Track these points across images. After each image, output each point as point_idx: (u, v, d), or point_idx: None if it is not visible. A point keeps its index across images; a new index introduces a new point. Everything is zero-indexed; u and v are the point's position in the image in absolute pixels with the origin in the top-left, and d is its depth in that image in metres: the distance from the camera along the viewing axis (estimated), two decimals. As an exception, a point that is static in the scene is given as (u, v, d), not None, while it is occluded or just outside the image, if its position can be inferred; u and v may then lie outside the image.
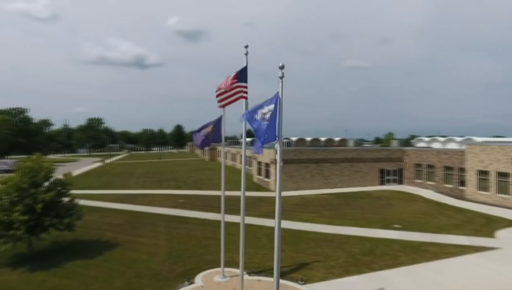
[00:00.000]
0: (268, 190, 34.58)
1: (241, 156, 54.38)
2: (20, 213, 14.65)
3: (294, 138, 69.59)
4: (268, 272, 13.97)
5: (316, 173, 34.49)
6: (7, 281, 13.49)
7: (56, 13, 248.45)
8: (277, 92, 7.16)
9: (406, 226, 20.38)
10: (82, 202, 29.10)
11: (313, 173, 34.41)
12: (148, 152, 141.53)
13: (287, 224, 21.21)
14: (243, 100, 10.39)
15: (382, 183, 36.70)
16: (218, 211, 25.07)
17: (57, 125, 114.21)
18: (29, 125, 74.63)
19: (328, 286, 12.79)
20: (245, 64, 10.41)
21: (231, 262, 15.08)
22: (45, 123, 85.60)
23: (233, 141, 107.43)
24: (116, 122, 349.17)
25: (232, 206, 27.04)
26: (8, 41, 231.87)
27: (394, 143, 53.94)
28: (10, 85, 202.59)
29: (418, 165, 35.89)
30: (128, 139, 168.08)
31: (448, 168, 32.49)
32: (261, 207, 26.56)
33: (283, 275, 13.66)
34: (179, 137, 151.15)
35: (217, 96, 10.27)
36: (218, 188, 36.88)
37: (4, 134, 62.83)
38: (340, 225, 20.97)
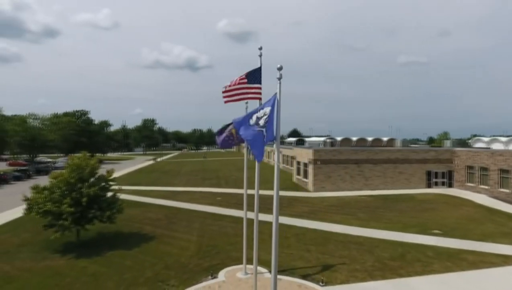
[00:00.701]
0: (306, 190, 34.30)
1: (284, 155, 54.52)
2: (68, 205, 16.31)
3: (339, 138, 68.09)
4: (290, 271, 14.07)
5: (356, 174, 33.47)
6: (56, 266, 15.11)
7: (117, 22, 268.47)
8: (275, 94, 7.31)
9: (446, 232, 19.10)
10: (130, 197, 31.39)
11: (353, 174, 33.44)
12: (197, 151, 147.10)
13: (318, 225, 21.02)
14: (257, 101, 10.65)
15: (429, 186, 34.54)
16: (252, 209, 25.61)
17: (117, 125, 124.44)
18: (90, 126, 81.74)
19: (349, 289, 12.55)
20: (259, 65, 10.65)
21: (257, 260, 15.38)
22: (105, 124, 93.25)
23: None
24: (169, 122, 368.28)
25: (266, 205, 27.40)
26: (75, 49, 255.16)
27: (447, 144, 50.34)
28: (77, 90, 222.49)
29: (470, 167, 33.18)
30: (179, 139, 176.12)
31: (504, 171, 29.63)
32: (295, 207, 26.51)
33: (305, 275, 13.69)
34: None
35: (223, 92, 10.55)
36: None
37: (69, 134, 69.60)
38: (374, 228, 20.26)
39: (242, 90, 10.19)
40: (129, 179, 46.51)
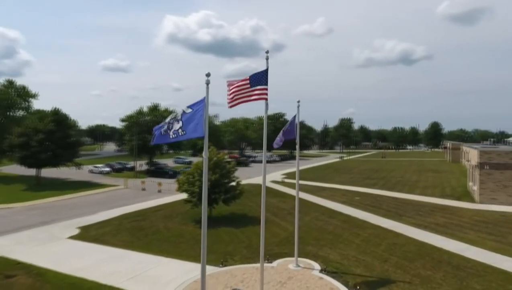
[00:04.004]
0: (472, 200, 27.64)
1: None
2: (196, 187, 21.67)
3: None
4: (341, 274, 13.63)
5: (553, 185, 23.97)
6: (183, 230, 20.51)
7: (330, 28, 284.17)
8: (204, 98, 8.58)
9: None
10: (282, 189, 35.32)
11: (547, 186, 24.14)
12: (398, 150, 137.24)
13: (433, 239, 17.87)
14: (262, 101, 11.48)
15: None
16: (377, 212, 24.32)
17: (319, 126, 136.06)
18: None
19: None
20: (265, 67, 11.45)
21: (321, 257, 15.50)
22: (301, 123, 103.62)
23: (501, 139, 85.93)
24: (378, 121, 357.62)
25: (400, 210, 24.79)
26: (295, 58, 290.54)
27: None
28: (297, 94, 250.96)
29: None
30: (383, 138, 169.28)
31: None
32: (432, 217, 22.66)
33: (350, 282, 12.92)
34: (434, 135, 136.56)
35: (228, 95, 11.47)
36: (411, 191, 33.21)
37: (268, 134, 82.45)
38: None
39: (244, 94, 11.28)
40: (301, 173, 50.77)
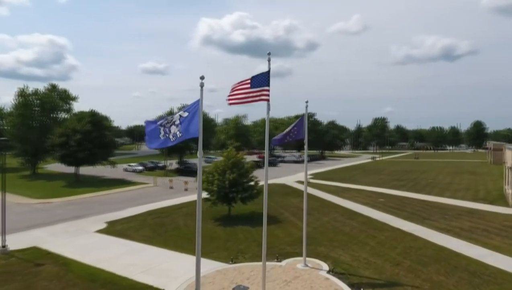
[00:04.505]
0: (505, 204, 25.93)
1: None
2: (215, 186, 22.30)
3: None
4: (348, 276, 13.54)
5: None
6: (202, 227, 21.06)
7: (366, 24, 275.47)
8: (198, 100, 8.98)
9: None
10: (302, 188, 35.01)
11: None
12: (436, 151, 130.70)
13: (454, 244, 17.24)
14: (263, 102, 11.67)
15: None
16: (399, 215, 23.76)
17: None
18: (318, 126, 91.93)
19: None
20: (267, 69, 11.67)
21: (332, 258, 15.44)
22: (332, 124, 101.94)
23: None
24: (416, 119, 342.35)
25: (424, 213, 23.90)
26: (330, 57, 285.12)
27: None
28: (332, 94, 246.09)
29: None
30: (421, 138, 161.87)
31: None
32: (458, 221, 21.67)
33: (353, 283, 12.80)
34: (477, 135, 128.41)
35: (228, 95, 11.83)
36: (440, 193, 31.74)
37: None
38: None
39: (245, 94, 11.54)
40: (329, 174, 50.50)
